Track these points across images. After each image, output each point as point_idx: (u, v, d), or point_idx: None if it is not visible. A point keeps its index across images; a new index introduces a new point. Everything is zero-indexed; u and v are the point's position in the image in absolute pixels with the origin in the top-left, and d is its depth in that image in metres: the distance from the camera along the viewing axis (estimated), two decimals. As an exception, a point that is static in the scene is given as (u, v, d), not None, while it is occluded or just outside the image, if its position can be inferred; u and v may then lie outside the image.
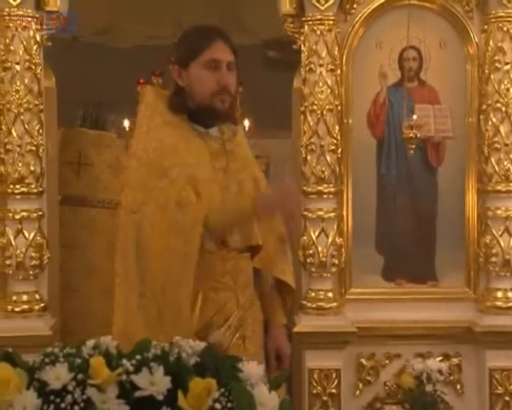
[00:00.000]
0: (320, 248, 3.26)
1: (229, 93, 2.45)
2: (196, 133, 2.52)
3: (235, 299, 2.49)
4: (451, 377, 3.32)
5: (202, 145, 2.51)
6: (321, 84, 3.24)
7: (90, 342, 1.65)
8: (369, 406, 3.35)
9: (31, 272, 3.20)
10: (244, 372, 1.57)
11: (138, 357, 1.60)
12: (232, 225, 2.48)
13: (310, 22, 3.23)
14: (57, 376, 1.55)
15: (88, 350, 1.63)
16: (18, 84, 3.17)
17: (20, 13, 3.14)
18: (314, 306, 3.30)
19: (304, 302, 3.32)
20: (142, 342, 1.64)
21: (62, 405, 1.53)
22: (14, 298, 3.22)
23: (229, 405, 1.51)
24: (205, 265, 2.39)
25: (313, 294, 3.32)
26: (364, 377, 3.37)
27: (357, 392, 3.37)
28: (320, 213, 3.28)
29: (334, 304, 3.32)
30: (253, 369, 1.57)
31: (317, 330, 3.25)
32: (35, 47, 3.19)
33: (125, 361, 1.59)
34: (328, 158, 3.27)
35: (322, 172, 3.27)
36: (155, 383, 1.54)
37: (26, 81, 3.18)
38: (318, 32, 3.21)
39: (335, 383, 3.25)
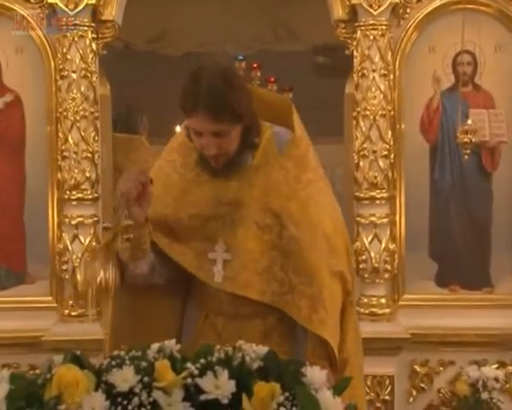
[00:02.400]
0: (373, 254, 3.25)
1: (215, 157, 2.27)
2: None
3: None
4: (507, 385, 3.28)
5: None
6: (374, 89, 3.23)
7: (155, 346, 1.67)
8: (424, 413, 3.33)
9: (86, 277, 3.25)
10: (308, 377, 1.57)
11: (202, 361, 1.61)
12: None
13: (362, 27, 3.22)
14: (124, 378, 1.56)
15: (153, 354, 1.64)
16: (74, 92, 3.23)
17: (77, 22, 3.20)
18: (367, 312, 3.29)
19: (357, 308, 3.29)
20: (206, 346, 1.65)
21: (129, 407, 1.55)
22: (71, 302, 3.27)
23: (293, 409, 1.51)
24: None
25: (366, 300, 3.31)
26: (418, 384, 3.34)
27: (411, 399, 3.35)
28: (373, 218, 3.27)
29: (387, 310, 3.30)
30: (316, 374, 1.57)
31: (370, 336, 3.21)
32: (91, 55, 3.25)
33: (189, 365, 1.60)
34: (380, 163, 3.26)
35: (375, 177, 3.26)
36: (220, 386, 1.55)
37: (83, 89, 3.24)
38: (371, 38, 3.21)
39: (389, 389, 3.24)
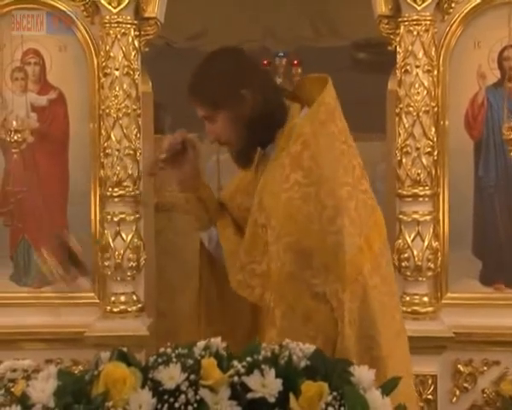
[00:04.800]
0: (415, 252, 3.22)
1: (218, 144, 2.32)
2: None
3: None
4: (554, 386, 3.23)
5: None
6: (417, 85, 3.19)
7: (201, 344, 1.67)
8: (467, 413, 3.29)
9: (128, 274, 3.27)
10: (355, 377, 1.56)
11: (249, 359, 1.61)
12: None
13: (406, 23, 3.18)
14: (171, 376, 1.56)
15: (199, 351, 1.64)
16: (117, 89, 3.24)
17: (120, 20, 3.21)
18: (409, 310, 3.25)
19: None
20: (252, 345, 1.65)
21: (176, 404, 1.55)
22: (113, 299, 3.30)
23: (342, 409, 1.50)
24: None
25: (408, 298, 3.27)
26: (461, 384, 3.30)
27: (454, 399, 3.31)
28: (415, 216, 3.23)
29: (430, 309, 3.26)
30: (364, 373, 1.55)
31: (413, 334, 3.16)
32: (133, 53, 3.26)
33: (235, 363, 1.60)
34: (423, 160, 3.22)
35: (418, 174, 3.22)
36: (267, 385, 1.54)
37: (125, 86, 3.25)
38: (415, 33, 3.17)
39: (431, 389, 3.20)
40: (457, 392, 3.31)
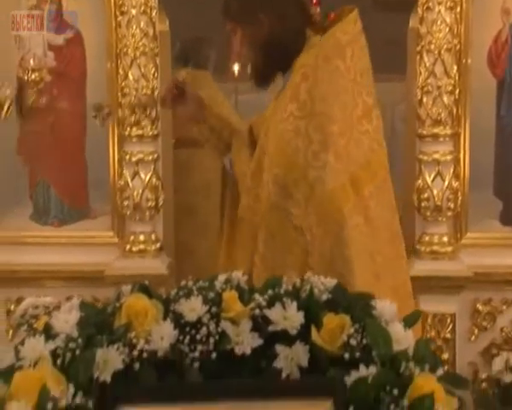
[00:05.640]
0: (435, 192, 3.19)
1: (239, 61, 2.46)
2: None
3: None
4: None
5: None
6: (439, 22, 3.13)
7: (222, 277, 1.67)
8: (485, 351, 3.29)
9: (147, 213, 3.27)
10: (377, 310, 1.56)
11: (270, 292, 1.61)
12: None
13: (428, -42, 3.11)
14: (192, 308, 1.57)
15: (220, 285, 1.65)
16: (134, 28, 3.20)
17: (137, -44, 3.16)
18: (428, 250, 3.24)
19: (418, 247, 3.26)
20: (273, 278, 1.65)
21: (198, 336, 1.56)
22: (132, 238, 3.30)
23: (363, 341, 1.50)
24: None
25: (427, 238, 3.26)
26: (480, 323, 3.30)
27: (473, 338, 3.31)
28: (436, 156, 3.19)
29: (450, 248, 3.25)
30: (386, 307, 1.55)
31: (432, 274, 3.20)
32: (150, -10, 3.21)
33: (257, 296, 1.60)
34: (445, 99, 3.17)
35: (439, 114, 3.17)
36: (288, 317, 1.55)
37: (142, 25, 3.20)
38: (437, -32, 3.10)
39: (450, 328, 3.21)
40: (476, 331, 3.31)
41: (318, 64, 2.13)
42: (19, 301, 3.09)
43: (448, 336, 3.20)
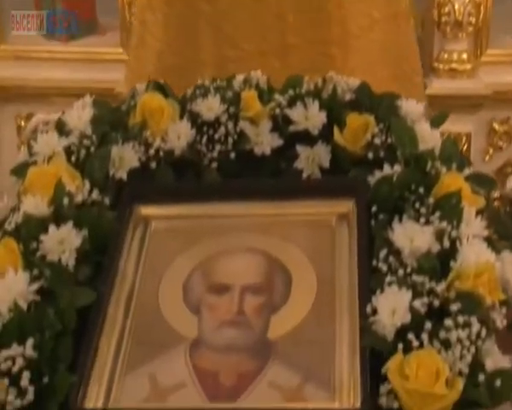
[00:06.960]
0: (457, 6, 3.05)
1: None
2: None
3: None
4: None
5: None
6: None
7: (240, 77, 1.61)
8: (499, 171, 3.25)
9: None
10: (403, 109, 1.50)
11: (291, 92, 1.55)
12: None
13: None
14: (209, 107, 1.52)
15: (238, 84, 1.59)
16: None
17: None
18: (446, 68, 3.14)
19: (436, 64, 3.15)
20: (295, 77, 1.58)
21: (216, 136, 1.51)
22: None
23: (388, 141, 1.45)
24: None
25: (446, 55, 3.14)
26: (496, 143, 3.25)
27: (487, 157, 3.27)
28: (458, -34, 3.04)
29: (469, 66, 3.14)
30: (412, 106, 1.50)
31: (449, 92, 3.11)
32: None
33: (277, 96, 1.55)
34: None
35: None
36: (310, 117, 1.50)
37: None
38: None
39: (465, 147, 3.16)
40: (491, 151, 3.26)
41: None
42: (29, 117, 3.05)
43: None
